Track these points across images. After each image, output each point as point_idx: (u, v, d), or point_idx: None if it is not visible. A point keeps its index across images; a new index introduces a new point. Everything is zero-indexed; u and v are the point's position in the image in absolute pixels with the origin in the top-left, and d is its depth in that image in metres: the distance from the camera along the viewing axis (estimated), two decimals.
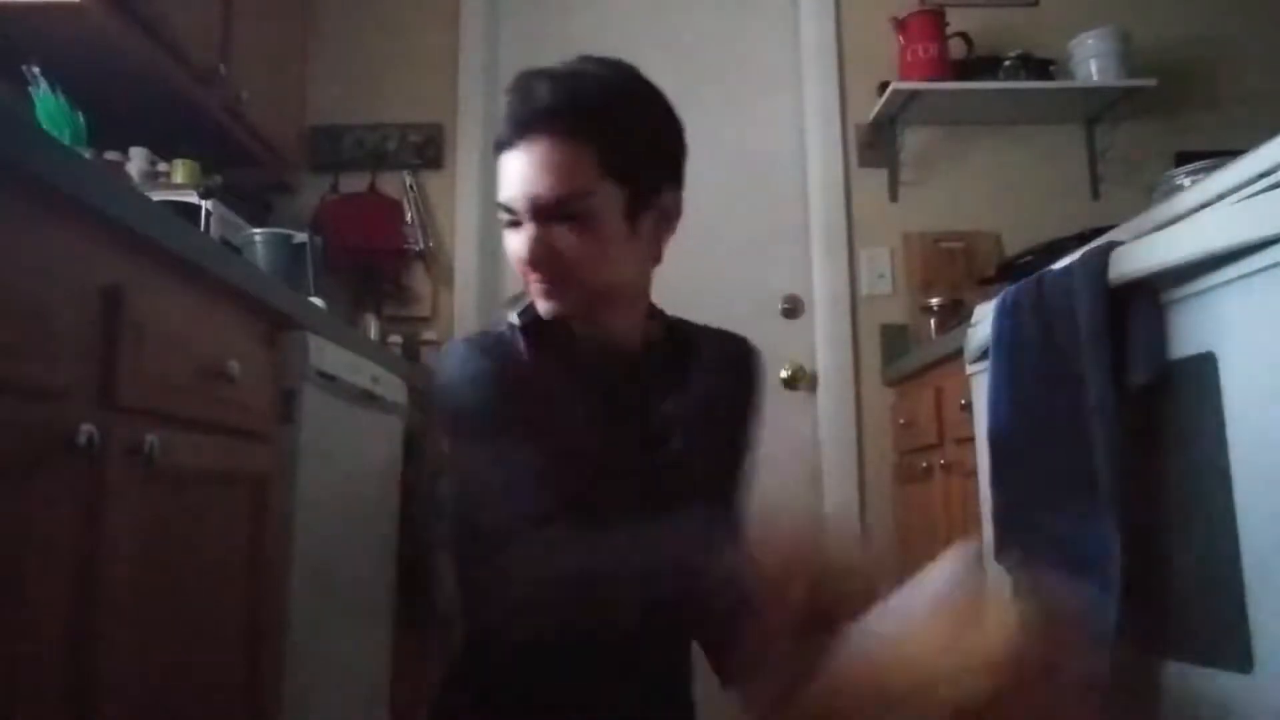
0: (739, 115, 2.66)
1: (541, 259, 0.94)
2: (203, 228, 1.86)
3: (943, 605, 0.64)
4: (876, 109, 2.53)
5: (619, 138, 0.96)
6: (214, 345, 1.22)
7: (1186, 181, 1.39)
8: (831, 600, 0.71)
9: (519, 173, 0.93)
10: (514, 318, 1.04)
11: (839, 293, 2.54)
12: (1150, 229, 1.03)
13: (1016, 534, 1.24)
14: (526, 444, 0.93)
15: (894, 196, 2.59)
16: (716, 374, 1.13)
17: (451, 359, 1.02)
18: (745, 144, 2.64)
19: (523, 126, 0.93)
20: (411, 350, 2.41)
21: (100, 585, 0.94)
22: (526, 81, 0.95)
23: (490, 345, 1.02)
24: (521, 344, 1.02)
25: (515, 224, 0.96)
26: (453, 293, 2.53)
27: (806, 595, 0.71)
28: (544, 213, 0.93)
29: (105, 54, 1.71)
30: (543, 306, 0.99)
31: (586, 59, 1.01)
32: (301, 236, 2.07)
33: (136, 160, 1.95)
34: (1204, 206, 0.94)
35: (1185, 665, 0.96)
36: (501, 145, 0.95)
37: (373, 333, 2.30)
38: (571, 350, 1.03)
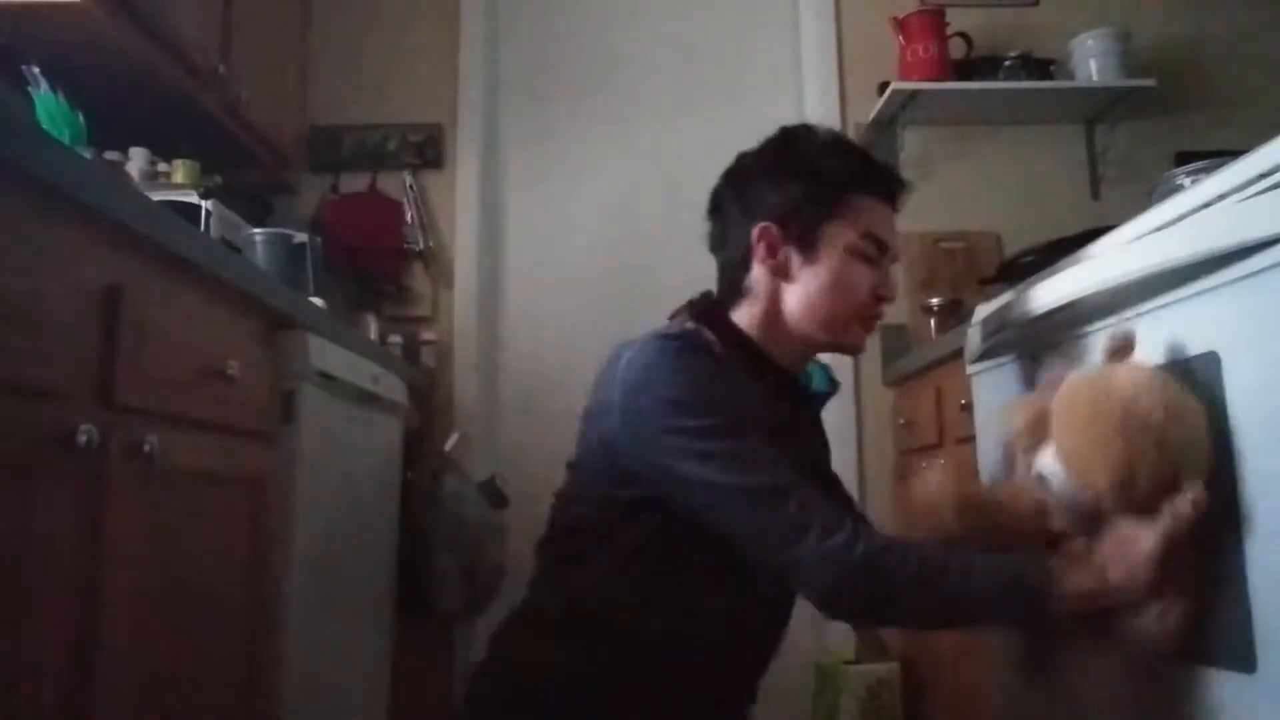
0: (739, 115, 2.66)
1: (890, 301, 1.15)
2: (203, 228, 1.86)
3: None
4: (876, 109, 2.53)
5: None
6: (214, 345, 1.22)
7: (1186, 181, 1.39)
8: None
9: (892, 221, 1.14)
10: (701, 330, 1.07)
11: None
12: (1150, 229, 1.03)
13: None
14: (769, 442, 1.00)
15: None
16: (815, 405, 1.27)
17: (668, 352, 1.02)
18: (745, 144, 2.62)
19: (900, 191, 1.15)
20: (411, 350, 2.41)
21: (100, 585, 0.94)
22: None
23: (702, 346, 1.05)
24: (719, 350, 1.06)
25: (872, 260, 1.11)
26: (453, 293, 2.53)
27: None
28: (892, 260, 1.15)
29: (105, 54, 1.71)
30: (858, 340, 1.15)
31: None
32: (301, 236, 2.07)
33: (136, 160, 1.95)
34: (1204, 206, 0.94)
35: (1186, 665, 0.96)
36: (882, 195, 1.13)
37: (373, 333, 2.30)
38: (761, 369, 1.11)
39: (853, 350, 1.18)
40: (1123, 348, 0.96)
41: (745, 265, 1.14)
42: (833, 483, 1.27)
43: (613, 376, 1.04)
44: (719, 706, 1.11)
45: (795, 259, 1.11)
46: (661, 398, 0.99)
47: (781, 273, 1.12)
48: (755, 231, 1.12)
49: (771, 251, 1.12)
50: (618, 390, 1.02)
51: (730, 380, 1.03)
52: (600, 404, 1.06)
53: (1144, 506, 0.89)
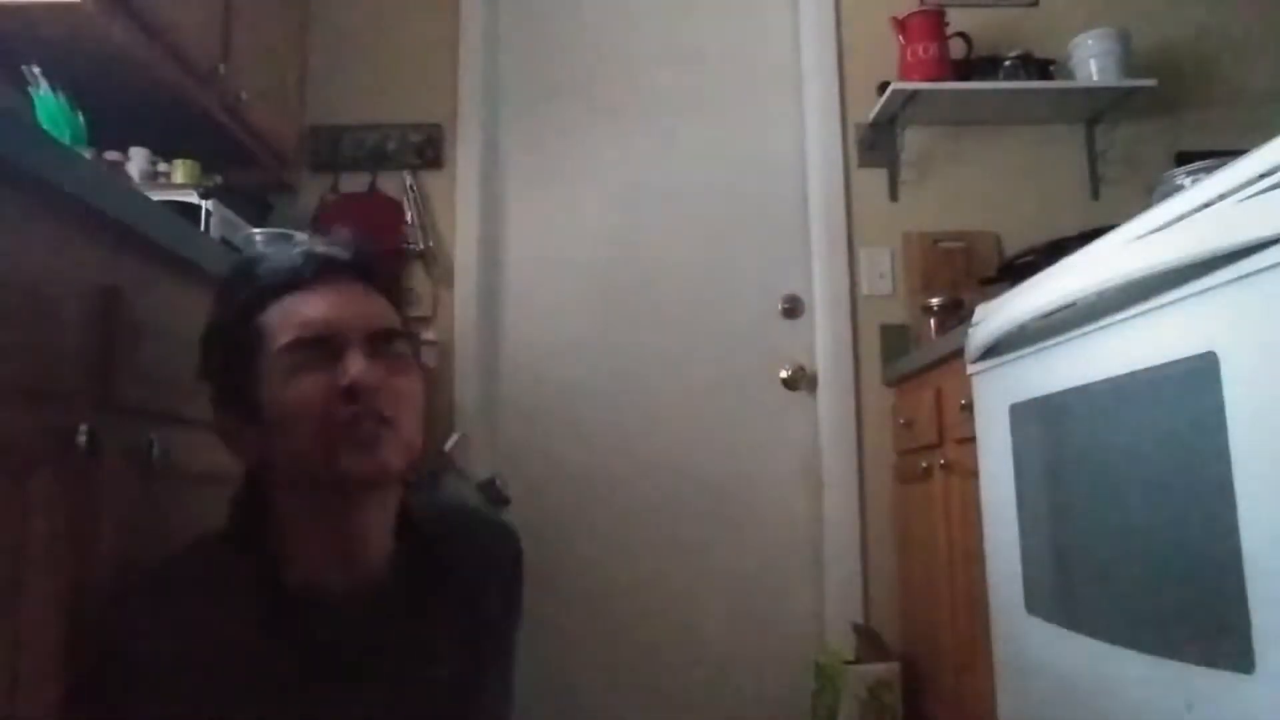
0: (739, 115, 2.66)
1: (371, 382, 0.86)
2: (203, 228, 1.86)
3: None
4: (876, 109, 2.53)
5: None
6: None
7: (1186, 181, 1.39)
8: None
9: (321, 301, 0.89)
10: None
11: (839, 293, 2.54)
12: (1150, 229, 1.03)
13: None
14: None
15: (894, 196, 2.59)
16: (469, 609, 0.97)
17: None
18: (745, 144, 2.65)
19: (326, 269, 0.93)
20: (411, 350, 2.40)
21: (100, 585, 0.94)
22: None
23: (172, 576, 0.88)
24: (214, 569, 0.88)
25: (314, 363, 0.86)
26: (453, 293, 2.53)
27: None
28: (375, 341, 0.90)
29: (105, 54, 1.71)
30: (355, 462, 0.85)
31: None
32: (301, 236, 2.07)
33: (136, 160, 1.95)
34: (1204, 206, 0.94)
35: (1185, 665, 0.96)
36: (295, 285, 0.90)
37: None
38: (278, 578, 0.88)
39: (359, 479, 0.87)
40: None
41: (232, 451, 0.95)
42: None
43: None
44: None
45: (243, 426, 0.90)
46: None
47: (249, 450, 0.92)
48: (223, 441, 0.93)
49: (225, 436, 0.93)
50: None
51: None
52: None
53: None
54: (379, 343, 0.91)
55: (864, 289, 2.54)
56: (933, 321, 2.36)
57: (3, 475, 0.81)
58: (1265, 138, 0.87)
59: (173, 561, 0.92)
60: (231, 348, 0.89)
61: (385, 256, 0.96)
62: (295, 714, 0.84)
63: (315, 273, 0.91)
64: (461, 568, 0.98)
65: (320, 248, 0.94)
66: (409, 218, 2.54)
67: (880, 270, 2.55)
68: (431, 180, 2.59)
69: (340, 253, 0.94)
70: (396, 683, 0.90)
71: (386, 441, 0.87)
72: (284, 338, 0.87)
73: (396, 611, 0.91)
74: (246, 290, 0.91)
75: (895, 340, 2.49)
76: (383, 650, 0.89)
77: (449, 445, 2.19)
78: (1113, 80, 2.40)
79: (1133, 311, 1.06)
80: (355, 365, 0.86)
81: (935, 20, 2.46)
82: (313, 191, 2.56)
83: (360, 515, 0.90)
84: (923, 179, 2.60)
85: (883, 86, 2.47)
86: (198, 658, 0.83)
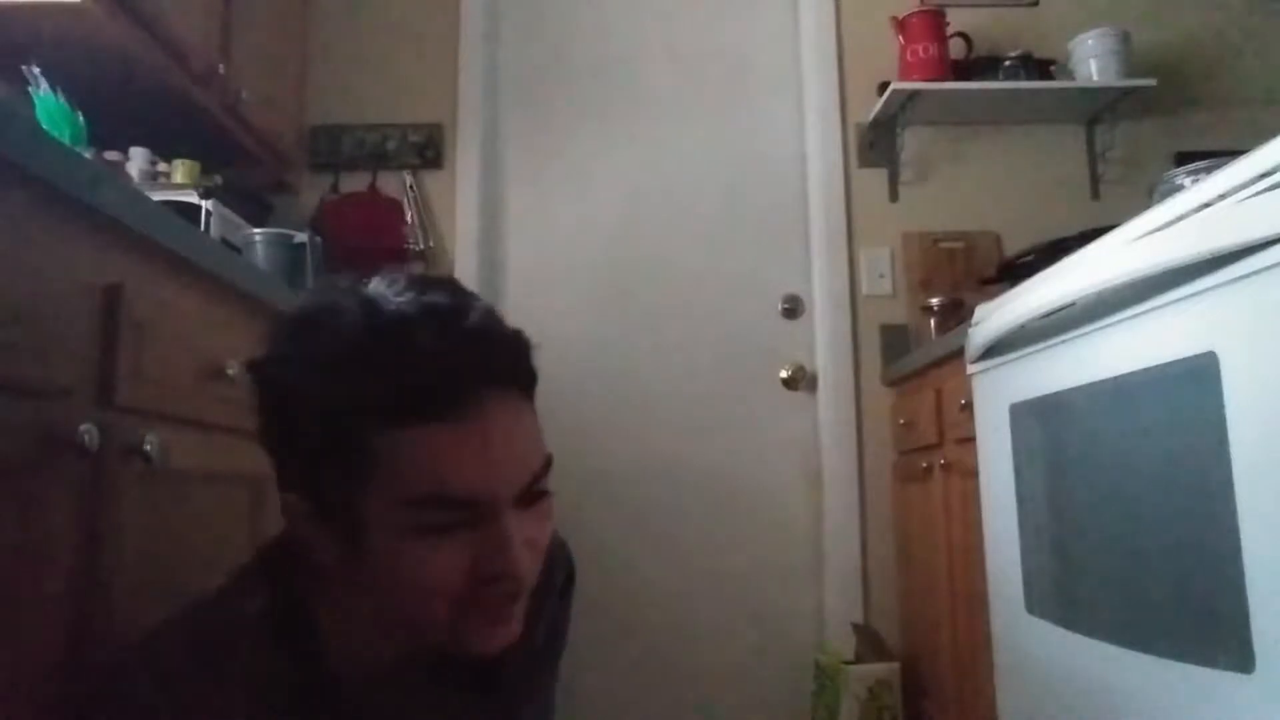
0: (739, 115, 2.66)
1: (523, 559, 0.69)
2: (203, 228, 1.86)
3: None
4: (876, 109, 2.53)
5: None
6: (214, 345, 1.22)
7: (1186, 181, 1.39)
8: None
9: (480, 446, 0.68)
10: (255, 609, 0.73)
11: (839, 293, 2.54)
12: (1150, 229, 1.03)
13: None
14: None
15: (894, 196, 2.59)
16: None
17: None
18: (745, 144, 2.65)
19: (500, 379, 0.72)
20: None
21: (100, 585, 0.94)
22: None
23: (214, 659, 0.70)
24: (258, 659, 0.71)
25: (448, 529, 0.67)
26: None
27: None
28: (525, 497, 0.71)
29: (105, 54, 1.71)
30: (485, 640, 0.71)
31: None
32: (301, 236, 2.07)
33: (136, 160, 1.96)
34: (1204, 206, 0.94)
35: (1185, 665, 0.96)
36: (447, 413, 0.67)
37: None
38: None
39: (485, 652, 0.72)
40: None
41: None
42: None
43: None
44: None
45: (336, 550, 0.70)
46: None
47: (330, 576, 0.73)
48: (282, 505, 0.73)
49: (308, 544, 0.73)
50: None
51: None
52: None
53: None
54: (532, 488, 0.72)
55: (864, 289, 2.54)
56: (933, 321, 2.36)
57: (3, 475, 0.81)
58: (1265, 138, 0.87)
59: (185, 632, 0.74)
60: (330, 452, 0.67)
61: (524, 343, 0.80)
62: None
63: (465, 397, 0.67)
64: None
65: (460, 339, 0.69)
66: (409, 218, 2.54)
67: (880, 270, 2.55)
68: (431, 180, 2.59)
69: (498, 357, 0.73)
70: None
71: (518, 609, 0.72)
72: (417, 488, 0.66)
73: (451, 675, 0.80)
74: (358, 383, 0.66)
75: (895, 340, 2.48)
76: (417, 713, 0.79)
77: None
78: (1113, 80, 2.40)
79: (1133, 311, 1.06)
80: (512, 546, 0.68)
81: (935, 20, 2.46)
82: (313, 191, 2.56)
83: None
84: (923, 179, 2.60)
85: (883, 86, 2.47)
86: None
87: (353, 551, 0.68)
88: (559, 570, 0.90)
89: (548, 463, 0.75)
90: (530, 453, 0.73)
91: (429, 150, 2.59)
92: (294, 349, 0.71)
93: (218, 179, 2.04)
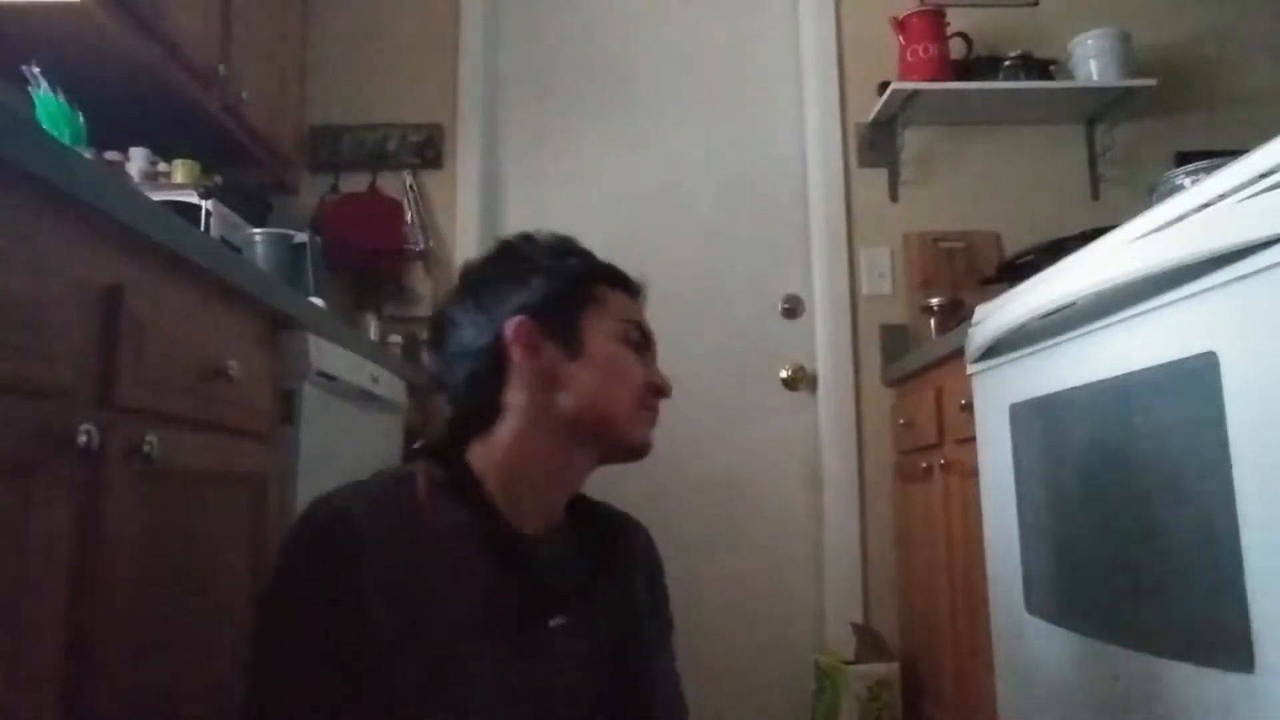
0: (739, 115, 2.66)
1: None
2: (203, 228, 1.86)
3: None
4: (876, 109, 2.53)
5: None
6: (214, 345, 1.22)
7: (1186, 181, 1.39)
8: None
9: (644, 315, 1.04)
10: (422, 469, 0.92)
11: (839, 293, 2.54)
12: (1150, 229, 1.03)
13: None
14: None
15: (894, 196, 2.59)
16: (628, 584, 1.05)
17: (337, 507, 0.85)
18: (745, 144, 2.65)
19: (639, 289, 1.06)
20: (411, 350, 2.41)
21: (100, 585, 0.94)
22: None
23: (389, 496, 0.89)
24: (427, 500, 0.89)
25: (640, 348, 1.01)
26: None
27: None
28: (654, 358, 1.05)
29: (105, 54, 1.71)
30: (647, 436, 1.01)
31: None
32: (301, 236, 2.07)
33: (136, 160, 1.96)
34: (1204, 206, 0.94)
35: (1185, 665, 0.96)
36: (628, 289, 1.03)
37: (373, 333, 2.30)
38: (482, 525, 0.90)
39: (642, 450, 1.00)
40: None
41: (495, 380, 0.95)
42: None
43: None
44: None
45: (559, 356, 0.95)
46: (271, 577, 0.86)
47: (547, 376, 0.94)
48: (509, 331, 0.94)
49: (532, 351, 0.94)
50: None
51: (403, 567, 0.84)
52: None
53: None
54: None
55: (864, 289, 2.54)
56: (933, 321, 2.36)
57: (3, 475, 0.81)
58: (1265, 138, 0.87)
59: (392, 483, 0.91)
60: (571, 284, 0.98)
61: None
62: (516, 647, 0.89)
63: (637, 290, 1.05)
64: (613, 539, 1.05)
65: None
66: (409, 218, 2.54)
67: (880, 270, 2.55)
68: (431, 180, 2.59)
69: (645, 284, 1.07)
70: (591, 624, 0.97)
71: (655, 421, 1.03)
72: (625, 315, 1.00)
73: (583, 559, 0.99)
74: (596, 260, 1.03)
75: (895, 340, 2.49)
76: (583, 591, 0.96)
77: None
78: (1113, 80, 2.40)
79: (1133, 311, 1.06)
80: (667, 379, 1.03)
81: (935, 20, 2.46)
82: (313, 191, 2.56)
83: (584, 476, 1.01)
84: (923, 179, 2.60)
85: (883, 86, 2.48)
86: (433, 574, 0.85)
87: (571, 354, 0.95)
88: (637, 531, 1.13)
89: None
90: None
91: (429, 150, 2.59)
92: (519, 241, 1.03)
93: (218, 179, 2.04)
